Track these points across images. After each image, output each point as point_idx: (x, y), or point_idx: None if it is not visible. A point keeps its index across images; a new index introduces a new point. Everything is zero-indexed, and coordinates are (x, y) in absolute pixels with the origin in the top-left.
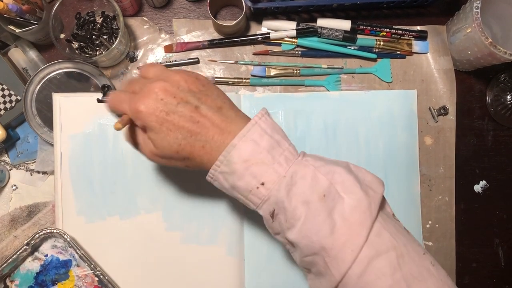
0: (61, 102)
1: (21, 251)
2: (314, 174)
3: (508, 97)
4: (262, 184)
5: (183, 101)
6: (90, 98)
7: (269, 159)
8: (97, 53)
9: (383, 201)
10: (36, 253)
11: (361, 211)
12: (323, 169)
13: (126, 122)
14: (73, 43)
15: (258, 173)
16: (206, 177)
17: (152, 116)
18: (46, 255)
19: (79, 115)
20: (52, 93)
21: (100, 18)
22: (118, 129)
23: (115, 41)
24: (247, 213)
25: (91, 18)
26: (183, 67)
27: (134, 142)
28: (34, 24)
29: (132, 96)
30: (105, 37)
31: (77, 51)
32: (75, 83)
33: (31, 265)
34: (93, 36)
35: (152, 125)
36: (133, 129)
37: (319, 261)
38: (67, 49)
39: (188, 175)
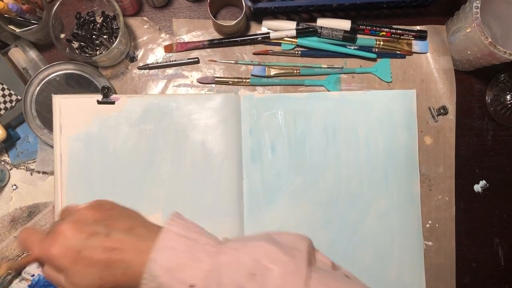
0: (61, 103)
1: (5, 275)
2: (237, 257)
3: (508, 97)
4: (192, 286)
5: (92, 233)
6: (90, 100)
7: (190, 260)
8: (97, 53)
9: (314, 255)
10: (22, 274)
11: (291, 275)
12: (245, 249)
13: (19, 265)
14: (73, 43)
15: (185, 277)
16: None
17: (65, 258)
18: (33, 275)
19: (79, 116)
20: (52, 94)
21: (100, 18)
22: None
23: (115, 41)
24: (247, 213)
25: (91, 18)
26: (183, 67)
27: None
28: (34, 24)
29: (43, 239)
30: (105, 37)
31: (77, 51)
32: (74, 84)
33: (19, 287)
34: (93, 36)
35: (67, 266)
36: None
37: None
38: (67, 49)
39: (188, 176)
